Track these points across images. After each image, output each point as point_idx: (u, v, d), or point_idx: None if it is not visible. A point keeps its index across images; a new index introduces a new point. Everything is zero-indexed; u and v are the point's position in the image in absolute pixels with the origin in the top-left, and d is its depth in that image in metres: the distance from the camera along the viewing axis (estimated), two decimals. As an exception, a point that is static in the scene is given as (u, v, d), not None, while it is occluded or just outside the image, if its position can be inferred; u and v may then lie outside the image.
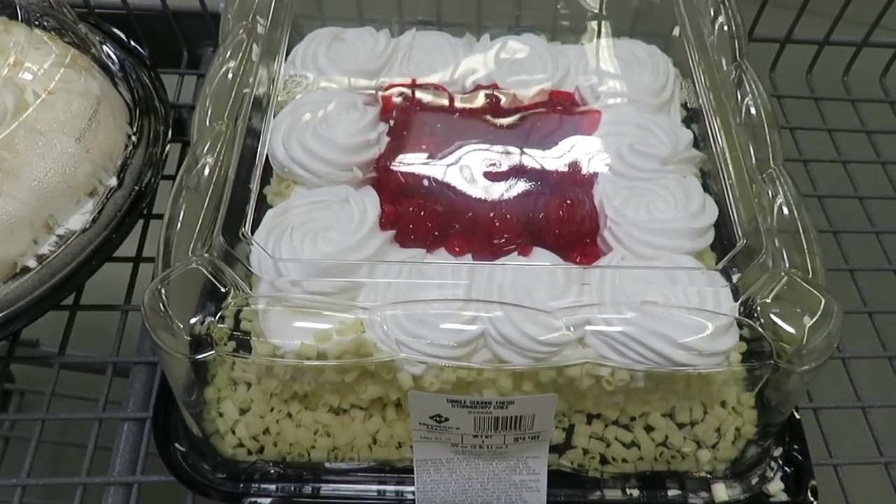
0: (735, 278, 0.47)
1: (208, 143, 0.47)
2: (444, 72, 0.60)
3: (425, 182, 0.53)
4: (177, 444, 0.51)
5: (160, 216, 0.65)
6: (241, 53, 0.52)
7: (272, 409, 0.51)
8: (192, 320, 0.41)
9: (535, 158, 0.55)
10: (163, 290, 0.41)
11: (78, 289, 0.58)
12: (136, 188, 0.59)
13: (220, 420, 0.51)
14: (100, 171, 0.58)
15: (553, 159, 0.55)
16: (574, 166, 0.55)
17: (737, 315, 0.46)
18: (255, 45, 0.53)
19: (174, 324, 0.41)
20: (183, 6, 0.77)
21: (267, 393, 0.50)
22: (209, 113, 0.48)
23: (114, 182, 0.58)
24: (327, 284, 0.46)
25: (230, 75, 0.50)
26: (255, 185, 0.50)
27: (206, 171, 0.46)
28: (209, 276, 0.42)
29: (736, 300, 0.46)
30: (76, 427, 0.56)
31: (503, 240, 0.51)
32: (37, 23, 0.63)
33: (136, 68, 0.68)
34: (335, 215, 0.50)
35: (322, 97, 0.56)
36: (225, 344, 0.43)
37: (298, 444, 0.50)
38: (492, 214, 0.51)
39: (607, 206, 0.52)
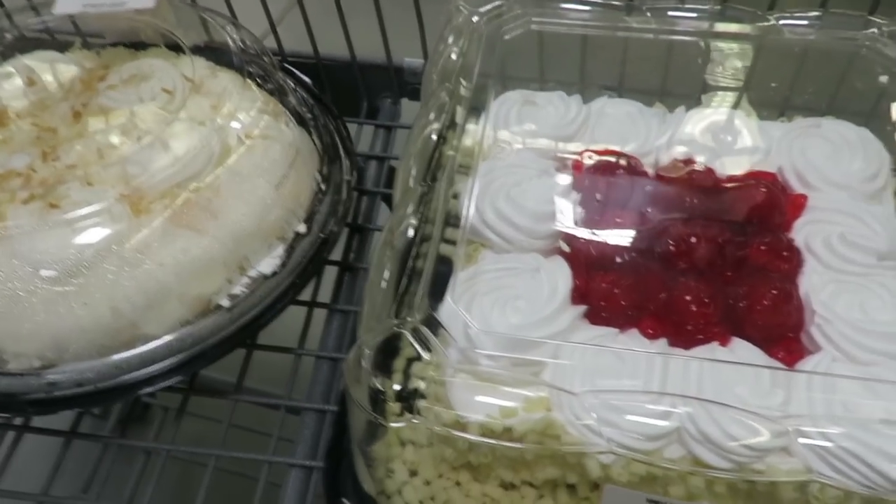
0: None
1: (411, 205, 0.47)
2: (637, 142, 0.58)
3: (618, 257, 0.51)
4: (345, 500, 0.50)
5: (335, 263, 0.67)
6: (444, 115, 0.52)
7: (440, 476, 0.50)
8: (396, 387, 0.41)
9: (735, 241, 0.52)
10: (368, 353, 0.41)
11: (258, 329, 0.60)
12: (321, 235, 0.61)
13: (389, 480, 0.50)
14: (290, 216, 0.59)
15: (754, 244, 0.51)
16: (776, 253, 0.51)
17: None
18: (458, 107, 0.53)
19: (378, 389, 0.41)
20: (367, 58, 0.80)
21: (437, 458, 0.49)
22: (412, 173, 0.49)
23: (303, 228, 0.60)
24: (518, 358, 0.45)
25: (434, 136, 0.51)
26: (449, 247, 0.49)
27: (410, 232, 0.46)
28: (413, 342, 0.42)
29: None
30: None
31: (700, 326, 0.48)
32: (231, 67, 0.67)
33: (324, 116, 0.71)
34: (525, 284, 0.49)
35: (514, 161, 0.55)
36: (419, 412, 0.42)
37: (467, 515, 0.49)
38: (688, 298, 0.49)
39: (814, 300, 0.49)
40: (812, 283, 0.50)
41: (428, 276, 0.45)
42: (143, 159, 0.57)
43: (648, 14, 0.60)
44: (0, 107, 0.63)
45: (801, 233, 0.53)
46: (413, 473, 0.50)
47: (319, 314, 0.65)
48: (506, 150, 0.55)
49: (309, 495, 0.53)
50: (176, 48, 0.69)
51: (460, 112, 0.53)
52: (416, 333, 0.43)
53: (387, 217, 0.78)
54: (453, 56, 0.56)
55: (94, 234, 0.52)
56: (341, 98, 0.79)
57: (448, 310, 0.46)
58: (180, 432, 0.57)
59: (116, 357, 0.52)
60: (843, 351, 0.46)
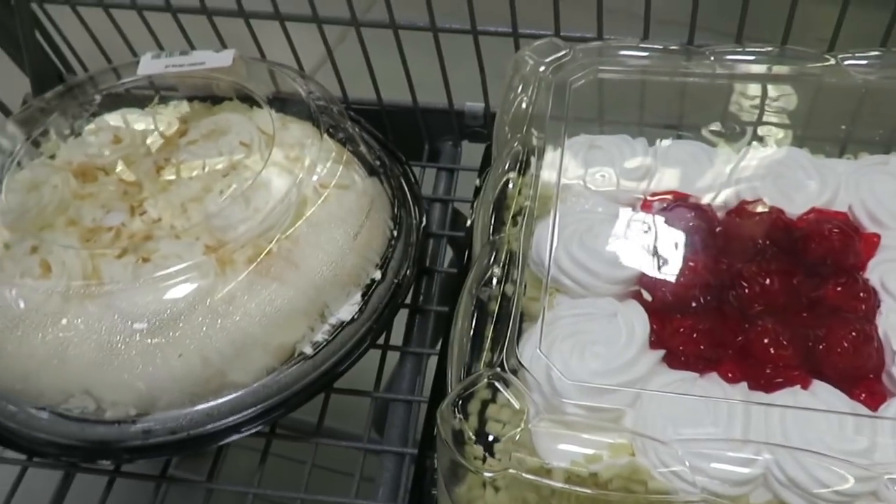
0: None
1: (492, 255, 0.49)
2: (703, 183, 0.59)
3: (693, 301, 0.52)
4: (429, 543, 0.52)
5: (405, 306, 0.68)
6: (518, 164, 0.54)
7: (523, 518, 0.50)
8: (490, 437, 0.42)
9: (810, 282, 0.52)
10: (460, 404, 0.43)
11: (337, 373, 0.61)
12: (396, 281, 0.63)
13: (471, 524, 0.51)
14: (366, 263, 0.61)
15: (829, 285, 0.52)
16: (853, 294, 0.51)
17: None
18: (531, 157, 0.55)
19: (468, 436, 0.42)
20: (430, 103, 0.82)
21: (518, 501, 0.50)
22: (491, 222, 0.50)
23: (378, 275, 0.62)
24: (601, 404, 0.46)
25: (510, 185, 0.53)
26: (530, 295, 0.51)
27: (494, 282, 0.47)
28: (504, 391, 0.43)
29: None
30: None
31: (779, 369, 0.48)
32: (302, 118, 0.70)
33: (392, 162, 0.73)
34: (602, 329, 0.50)
35: (585, 206, 0.57)
36: (507, 458, 0.44)
37: (550, 559, 0.49)
38: (766, 341, 0.49)
39: (893, 340, 0.49)
40: (890, 323, 0.50)
41: (515, 325, 0.46)
42: (226, 213, 0.59)
43: (712, 58, 0.61)
44: (89, 163, 0.67)
45: (876, 272, 0.53)
46: (495, 517, 0.51)
47: (391, 357, 0.66)
48: (576, 196, 0.57)
49: (393, 538, 0.55)
50: (248, 100, 0.72)
51: (533, 161, 0.55)
52: (504, 382, 0.44)
53: (451, 258, 0.81)
54: (523, 105, 0.58)
55: (185, 289, 0.55)
56: (402, 141, 0.81)
57: (529, 356, 0.48)
58: (250, 469, 0.59)
59: (206, 405, 0.55)
60: (926, 392, 0.47)
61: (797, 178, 0.59)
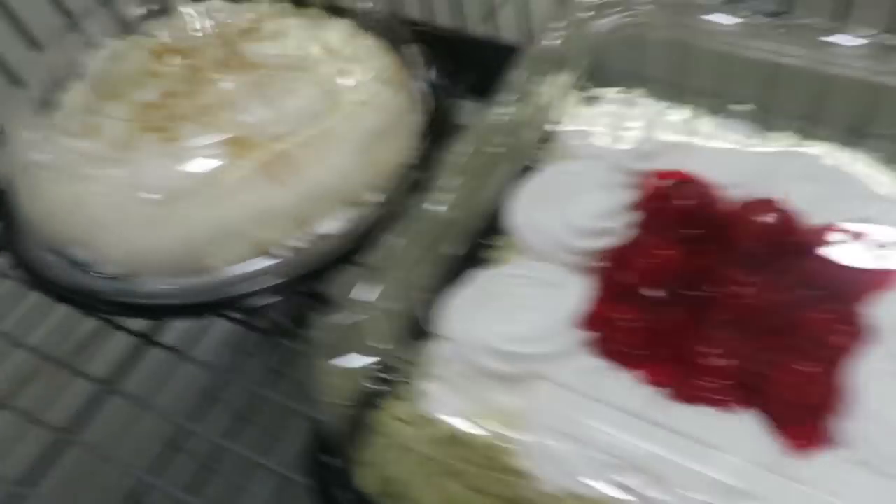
0: None
1: (454, 193, 0.48)
2: (730, 173, 0.52)
3: (649, 291, 0.47)
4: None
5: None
6: (521, 102, 0.51)
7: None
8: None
9: (791, 303, 0.45)
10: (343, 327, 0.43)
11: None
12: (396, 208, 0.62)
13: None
14: (371, 185, 0.62)
15: (813, 310, 0.45)
16: (836, 325, 0.44)
17: None
18: (535, 100, 0.52)
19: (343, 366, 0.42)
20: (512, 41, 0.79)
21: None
22: (468, 154, 0.49)
23: (380, 198, 0.62)
24: (498, 369, 0.44)
25: (502, 121, 0.50)
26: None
27: (443, 213, 0.46)
28: (401, 328, 0.43)
29: None
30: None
31: (710, 384, 0.43)
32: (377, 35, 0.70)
33: (445, 92, 0.72)
34: (534, 296, 0.47)
35: (575, 167, 0.53)
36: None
37: None
38: (704, 349, 0.44)
39: (863, 393, 0.41)
40: (869, 371, 0.42)
41: (441, 268, 0.45)
42: (251, 110, 0.62)
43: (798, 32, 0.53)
44: (171, 44, 0.73)
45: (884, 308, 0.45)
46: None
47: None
48: (566, 153, 0.53)
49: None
50: (332, 10, 0.74)
51: (535, 103, 0.52)
52: (396, 323, 0.44)
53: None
54: (555, 44, 0.54)
55: (192, 168, 0.59)
56: (476, 74, 0.78)
57: (448, 307, 0.46)
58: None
59: (184, 280, 0.59)
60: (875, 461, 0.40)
61: (840, 189, 0.51)
